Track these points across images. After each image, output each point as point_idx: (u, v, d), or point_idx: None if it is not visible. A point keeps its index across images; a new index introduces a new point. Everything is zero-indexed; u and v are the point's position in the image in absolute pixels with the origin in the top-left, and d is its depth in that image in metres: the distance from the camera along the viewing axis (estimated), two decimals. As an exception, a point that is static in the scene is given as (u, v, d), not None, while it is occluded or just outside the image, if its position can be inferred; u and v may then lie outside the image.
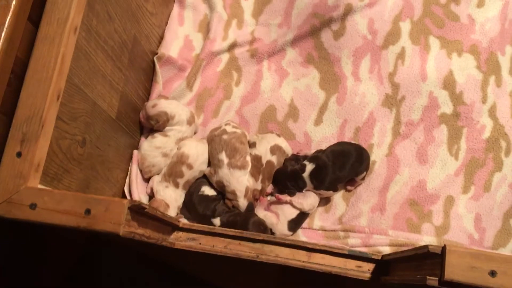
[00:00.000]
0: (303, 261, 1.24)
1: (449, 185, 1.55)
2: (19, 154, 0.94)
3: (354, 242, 1.47)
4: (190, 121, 1.54)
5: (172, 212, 1.45)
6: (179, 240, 1.28)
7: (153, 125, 1.50)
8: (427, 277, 0.86)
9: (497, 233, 1.52)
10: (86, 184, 1.22)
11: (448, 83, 1.61)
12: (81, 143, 1.16)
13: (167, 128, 1.50)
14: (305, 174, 1.45)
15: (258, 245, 1.26)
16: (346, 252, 1.23)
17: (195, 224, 1.30)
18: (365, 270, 1.23)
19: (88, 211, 0.90)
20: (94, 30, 1.16)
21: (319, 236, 1.51)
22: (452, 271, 0.84)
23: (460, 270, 0.84)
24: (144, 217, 1.03)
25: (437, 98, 1.61)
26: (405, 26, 1.69)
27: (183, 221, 1.46)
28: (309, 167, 1.46)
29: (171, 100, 1.52)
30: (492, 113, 1.60)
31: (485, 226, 1.52)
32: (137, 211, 0.96)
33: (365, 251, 1.31)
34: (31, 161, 0.93)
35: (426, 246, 0.89)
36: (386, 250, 1.45)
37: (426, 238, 1.48)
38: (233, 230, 1.27)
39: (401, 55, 1.66)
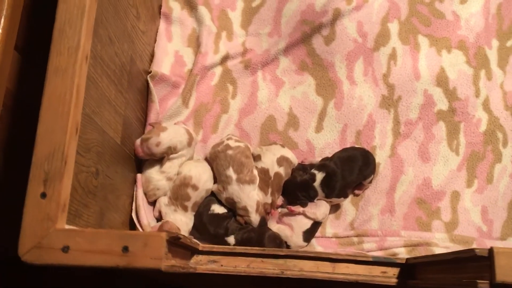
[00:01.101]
0: (329, 273, 1.22)
1: (453, 180, 1.57)
2: (43, 195, 0.88)
3: (370, 247, 1.47)
4: (190, 142, 1.51)
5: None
6: (200, 264, 1.23)
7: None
8: (478, 281, 0.86)
9: (504, 223, 1.55)
10: (101, 217, 1.17)
11: (441, 80, 1.64)
12: (95, 175, 1.11)
13: (171, 156, 1.45)
14: (316, 183, 1.44)
15: (281, 261, 1.23)
16: (370, 259, 1.22)
17: (215, 246, 1.26)
18: (390, 275, 1.22)
19: (126, 249, 0.85)
20: (99, 55, 1.11)
21: (333, 243, 1.50)
22: (503, 273, 0.85)
23: (510, 271, 0.85)
24: (175, 247, 0.99)
25: (432, 96, 1.63)
26: (394, 27, 1.70)
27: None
28: (319, 176, 1.45)
29: (169, 130, 1.45)
30: (486, 106, 1.64)
31: (492, 217, 1.55)
32: (172, 242, 0.93)
33: (382, 255, 1.31)
34: (57, 201, 0.88)
35: (472, 250, 0.89)
36: (401, 251, 1.45)
37: (438, 235, 1.50)
38: (254, 248, 1.24)
39: (392, 56, 1.67)
